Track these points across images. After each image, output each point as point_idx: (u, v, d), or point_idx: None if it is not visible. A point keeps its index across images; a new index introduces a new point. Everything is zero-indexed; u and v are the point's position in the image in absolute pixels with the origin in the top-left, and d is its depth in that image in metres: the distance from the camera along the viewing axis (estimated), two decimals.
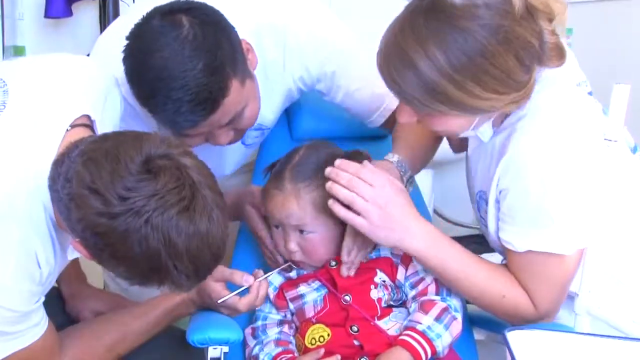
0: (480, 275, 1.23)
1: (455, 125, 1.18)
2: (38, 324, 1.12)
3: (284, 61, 1.44)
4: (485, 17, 1.07)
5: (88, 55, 1.45)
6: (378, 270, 1.30)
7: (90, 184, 0.95)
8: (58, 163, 1.02)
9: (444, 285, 1.28)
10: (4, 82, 1.12)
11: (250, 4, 1.41)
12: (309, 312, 1.30)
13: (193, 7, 1.22)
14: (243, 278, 1.27)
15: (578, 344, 0.91)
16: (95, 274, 1.63)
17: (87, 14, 2.37)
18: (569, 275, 1.20)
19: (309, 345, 1.27)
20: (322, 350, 1.25)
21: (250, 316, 1.38)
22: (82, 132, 1.09)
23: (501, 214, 1.20)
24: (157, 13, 1.20)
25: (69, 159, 1.00)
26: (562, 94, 1.21)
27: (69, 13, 2.29)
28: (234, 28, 1.26)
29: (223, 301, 1.25)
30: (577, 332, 1.05)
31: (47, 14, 2.27)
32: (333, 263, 1.31)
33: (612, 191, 1.18)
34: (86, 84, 1.18)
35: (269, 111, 1.49)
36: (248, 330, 1.34)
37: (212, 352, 1.21)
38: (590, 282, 1.14)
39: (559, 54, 1.14)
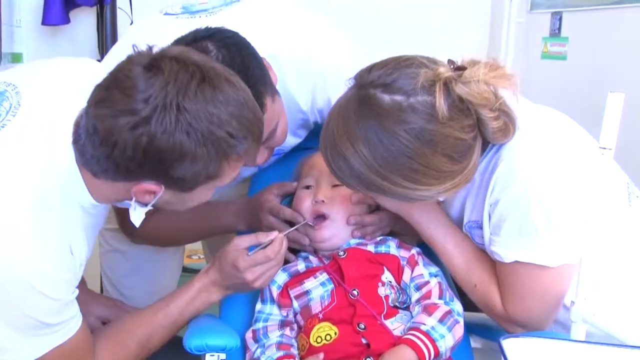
0: (457, 260, 1.29)
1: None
2: (75, 316, 1.14)
3: (306, 92, 1.46)
4: (411, 121, 1.08)
5: None
6: (385, 269, 1.32)
7: (110, 111, 0.98)
8: (75, 140, 1.05)
9: (447, 290, 1.31)
10: (14, 85, 1.14)
11: (266, 32, 1.41)
12: (316, 308, 1.31)
13: (215, 32, 1.24)
14: (267, 234, 1.30)
15: (573, 352, 0.91)
16: (93, 280, 1.63)
17: (84, 21, 2.38)
18: (551, 289, 1.21)
19: (315, 344, 1.26)
20: (322, 355, 1.24)
21: (250, 320, 1.37)
22: None
23: (491, 226, 1.21)
24: (181, 43, 1.21)
25: (81, 129, 1.03)
26: (548, 109, 1.24)
27: (66, 20, 2.30)
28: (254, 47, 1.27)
29: (253, 253, 1.27)
30: (572, 340, 1.05)
31: (45, 21, 2.28)
32: (342, 253, 1.34)
33: (604, 201, 1.19)
34: (89, 83, 1.19)
35: (288, 135, 1.49)
36: (249, 334, 1.34)
37: (210, 359, 1.21)
38: (585, 290, 1.14)
39: (505, 133, 1.14)
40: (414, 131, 1.08)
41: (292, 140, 1.53)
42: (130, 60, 1.02)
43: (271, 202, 1.44)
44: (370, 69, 1.13)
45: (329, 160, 1.15)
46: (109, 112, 0.99)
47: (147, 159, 1.00)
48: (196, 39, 1.22)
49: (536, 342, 0.92)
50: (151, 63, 1.00)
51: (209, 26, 1.26)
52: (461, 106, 1.09)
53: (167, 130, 0.97)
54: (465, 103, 1.09)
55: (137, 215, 1.10)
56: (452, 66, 1.12)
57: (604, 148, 1.12)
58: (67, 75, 1.20)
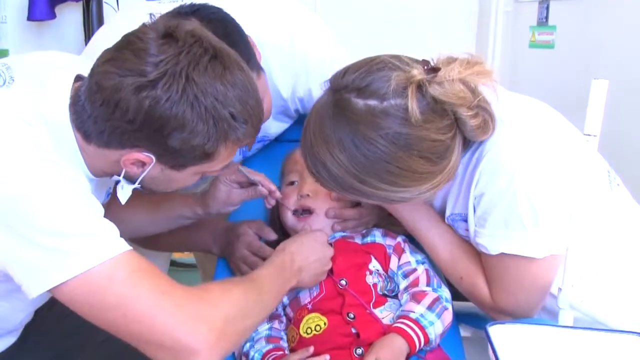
0: (442, 253, 1.30)
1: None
2: (106, 238, 1.01)
3: (288, 81, 1.46)
4: (385, 126, 1.07)
5: None
6: (372, 257, 1.33)
7: (117, 70, 0.97)
8: (73, 99, 1.04)
9: (435, 277, 1.32)
10: (6, 65, 1.12)
11: (251, 18, 1.40)
12: (305, 299, 1.31)
13: (199, 8, 1.23)
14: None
15: (559, 337, 0.92)
16: None
17: (70, 17, 2.37)
18: (538, 279, 1.21)
19: (305, 335, 1.27)
20: (312, 348, 1.25)
21: None
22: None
23: (476, 218, 1.21)
24: (164, 18, 1.19)
25: (82, 92, 1.02)
26: (529, 99, 1.24)
27: (52, 15, 2.29)
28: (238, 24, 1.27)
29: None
30: (558, 325, 1.06)
31: (30, 17, 2.27)
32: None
33: (588, 190, 1.20)
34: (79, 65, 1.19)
35: (270, 120, 1.51)
36: None
37: None
38: (572, 277, 1.14)
39: (484, 130, 1.13)
40: (389, 136, 1.07)
41: (275, 126, 1.54)
42: (145, 25, 1.02)
43: (250, 236, 1.43)
44: (345, 72, 1.12)
45: (308, 165, 1.16)
46: (116, 70, 0.97)
47: (146, 124, 0.98)
48: (180, 14, 1.21)
49: (522, 329, 0.93)
50: (167, 31, 1.00)
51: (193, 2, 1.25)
52: (436, 107, 1.08)
53: (171, 98, 0.97)
54: (441, 104, 1.08)
55: (124, 193, 1.09)
56: (425, 67, 1.11)
57: (589, 135, 1.13)
58: (54, 56, 1.18)
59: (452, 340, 1.38)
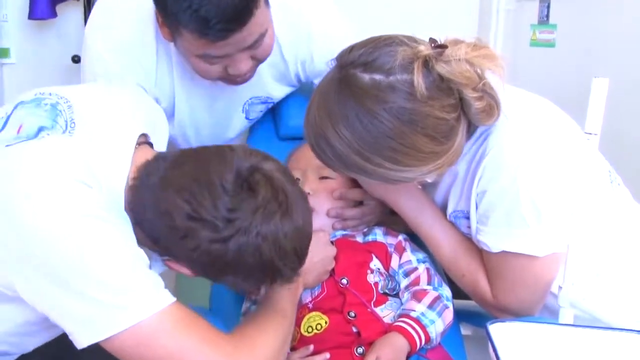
0: (444, 250, 1.30)
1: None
2: (151, 294, 1.03)
3: (291, 41, 1.47)
4: (389, 100, 1.05)
5: (74, 56, 1.48)
6: (374, 256, 1.33)
7: (194, 214, 0.99)
8: (135, 189, 1.05)
9: (435, 276, 1.32)
10: (66, 99, 1.13)
11: None
12: (306, 298, 1.31)
13: None
14: None
15: (559, 335, 0.92)
16: None
17: (71, 15, 2.37)
18: (540, 277, 1.21)
19: (306, 334, 1.27)
20: (312, 347, 1.25)
21: (240, 312, 1.38)
22: (146, 150, 1.12)
23: (478, 215, 1.21)
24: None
25: (147, 187, 1.03)
26: (533, 96, 1.23)
27: (53, 14, 2.29)
28: None
29: None
30: (558, 324, 1.06)
31: (31, 16, 2.27)
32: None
33: (590, 190, 1.20)
34: (141, 108, 1.23)
35: (272, 82, 1.53)
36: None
37: None
38: (573, 275, 1.14)
39: (489, 114, 1.12)
40: (393, 110, 1.05)
41: (278, 89, 1.55)
42: (225, 159, 1.02)
43: None
44: (351, 49, 1.11)
45: (311, 142, 1.14)
46: (191, 210, 0.99)
47: (206, 263, 1.03)
48: None
49: (522, 327, 0.93)
50: (247, 180, 1.01)
51: None
52: (442, 85, 1.07)
53: (240, 250, 1.00)
54: (447, 82, 1.07)
55: (156, 269, 1.10)
56: (433, 44, 1.10)
57: (589, 133, 1.13)
58: (114, 98, 1.20)
59: (453, 339, 1.38)
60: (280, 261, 1.03)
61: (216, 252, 1.00)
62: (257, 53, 1.33)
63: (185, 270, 1.07)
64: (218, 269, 1.04)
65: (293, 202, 1.04)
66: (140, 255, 1.04)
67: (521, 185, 1.14)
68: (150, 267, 1.05)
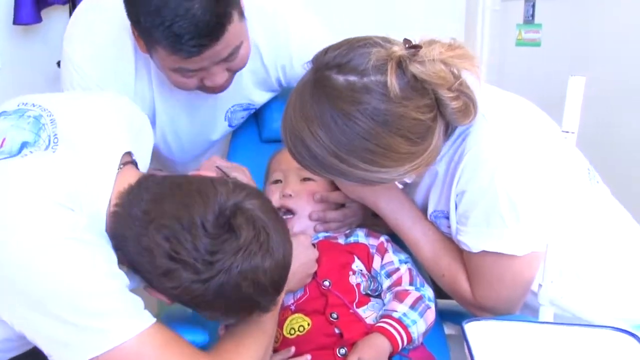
0: (424, 250, 1.30)
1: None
2: (132, 317, 1.04)
3: (270, 46, 1.47)
4: (364, 101, 1.05)
5: (60, 61, 1.48)
6: (356, 258, 1.33)
7: (175, 255, 0.99)
8: (116, 216, 1.05)
9: (418, 276, 1.32)
10: (49, 112, 1.13)
11: None
12: (288, 300, 1.31)
13: None
14: None
15: (536, 333, 0.92)
16: None
17: (57, 20, 2.36)
18: (520, 276, 1.22)
19: (288, 336, 1.27)
20: (293, 349, 1.25)
21: None
22: (130, 172, 1.12)
23: (457, 216, 1.22)
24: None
25: (129, 218, 1.03)
26: (512, 95, 1.23)
27: (38, 19, 2.27)
28: None
29: None
30: (534, 321, 1.06)
31: (16, 21, 2.25)
32: None
33: (569, 188, 1.20)
34: (124, 121, 1.21)
35: (254, 88, 1.53)
36: (221, 329, 1.34)
37: None
38: (552, 273, 1.15)
39: (465, 114, 1.12)
40: (367, 111, 1.05)
41: (259, 95, 1.56)
42: (208, 198, 1.02)
43: None
44: (326, 51, 1.11)
45: (288, 145, 1.14)
46: (171, 250, 0.99)
47: (187, 299, 1.04)
48: None
49: (498, 325, 0.93)
50: (229, 221, 1.01)
51: None
52: (416, 85, 1.07)
53: (220, 289, 1.00)
54: (421, 82, 1.07)
55: (135, 283, 1.10)
56: (407, 45, 1.10)
57: (567, 132, 1.13)
58: (99, 112, 1.19)
59: (437, 339, 1.39)
60: (259, 296, 1.05)
61: (196, 291, 1.01)
62: (232, 65, 1.34)
63: (164, 299, 1.07)
64: (197, 305, 1.05)
65: (274, 239, 1.04)
66: (120, 277, 1.04)
67: (499, 185, 1.14)
68: (130, 284, 1.06)
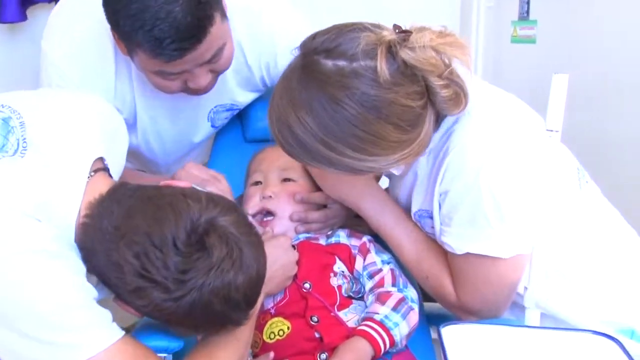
0: (407, 251, 1.27)
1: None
2: (99, 329, 1.03)
3: (254, 45, 1.45)
4: (353, 86, 1.02)
5: None
6: (337, 259, 1.30)
7: (145, 273, 0.97)
8: (86, 228, 1.03)
9: (400, 277, 1.29)
10: (19, 114, 1.10)
11: None
12: (268, 304, 1.28)
13: None
14: None
15: (514, 337, 0.90)
16: None
17: (42, 18, 2.31)
18: (505, 279, 1.18)
19: (268, 340, 1.24)
20: (272, 354, 1.22)
21: None
22: (101, 180, 1.09)
23: (441, 217, 1.18)
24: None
25: (99, 231, 1.01)
26: (499, 90, 1.20)
27: (23, 17, 2.25)
28: None
29: None
30: (512, 325, 1.04)
31: (1, 19, 2.23)
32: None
33: (556, 188, 1.17)
34: (98, 123, 1.18)
35: (237, 88, 1.51)
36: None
37: None
38: (538, 276, 1.12)
39: (456, 103, 1.09)
40: (356, 97, 1.02)
41: (242, 95, 1.53)
42: (180, 214, 0.99)
43: None
44: (314, 36, 1.08)
45: (275, 133, 1.10)
46: (142, 268, 0.97)
47: (157, 316, 1.02)
48: None
49: (477, 329, 0.90)
50: (201, 239, 0.99)
51: None
52: (407, 72, 1.04)
53: (192, 308, 0.99)
54: (411, 68, 1.04)
55: (101, 295, 1.09)
56: (397, 30, 1.07)
57: (551, 130, 1.10)
58: (72, 114, 1.16)
59: (423, 342, 1.36)
60: (232, 312, 1.03)
61: (167, 309, 0.99)
62: (216, 67, 1.32)
63: (134, 313, 1.05)
64: (168, 321, 1.04)
65: (247, 255, 1.02)
66: (87, 290, 1.02)
67: (483, 184, 1.10)
68: (99, 295, 1.04)
